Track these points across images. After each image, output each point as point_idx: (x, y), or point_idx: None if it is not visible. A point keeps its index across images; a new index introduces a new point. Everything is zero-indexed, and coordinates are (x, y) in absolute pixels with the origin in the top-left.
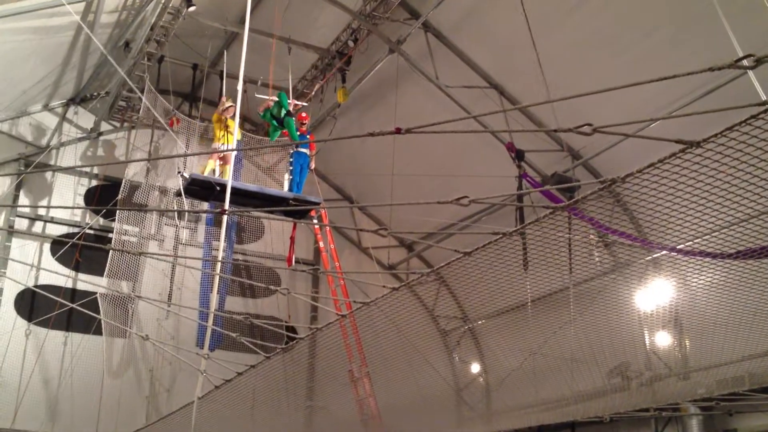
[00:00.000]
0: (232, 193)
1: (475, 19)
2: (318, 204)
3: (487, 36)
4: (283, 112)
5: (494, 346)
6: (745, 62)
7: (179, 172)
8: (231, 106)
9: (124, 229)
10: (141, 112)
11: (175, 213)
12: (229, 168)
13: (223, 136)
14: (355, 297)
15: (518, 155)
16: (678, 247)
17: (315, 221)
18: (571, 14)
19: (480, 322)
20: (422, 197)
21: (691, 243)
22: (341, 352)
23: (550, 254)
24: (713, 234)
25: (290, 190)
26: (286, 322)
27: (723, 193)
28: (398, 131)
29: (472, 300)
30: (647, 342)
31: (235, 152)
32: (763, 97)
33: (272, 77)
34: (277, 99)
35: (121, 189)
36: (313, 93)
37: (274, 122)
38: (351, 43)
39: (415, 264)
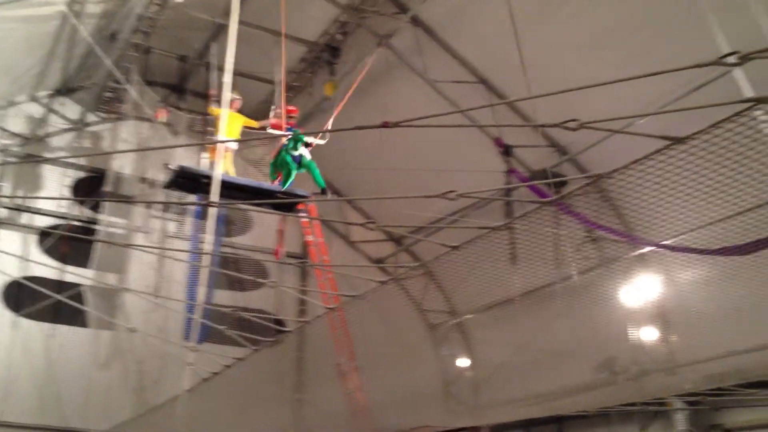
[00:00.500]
0: (220, 186)
1: (464, 13)
2: (306, 197)
3: (475, 31)
4: (300, 148)
5: (483, 340)
6: (730, 59)
7: (166, 164)
8: (236, 99)
9: (111, 221)
10: (127, 103)
11: (163, 205)
12: (217, 160)
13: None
14: (343, 291)
15: (506, 150)
16: (664, 242)
17: (303, 215)
18: (560, 9)
19: (468, 316)
20: (411, 191)
21: (676, 239)
22: (329, 345)
23: (538, 249)
24: (699, 229)
25: (279, 183)
26: (274, 315)
27: (708, 189)
28: (386, 125)
29: (461, 294)
30: (634, 337)
31: (232, 147)
32: (748, 94)
33: (266, 72)
34: (290, 135)
35: (107, 180)
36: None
37: (289, 159)
38: (340, 37)
39: (404, 258)
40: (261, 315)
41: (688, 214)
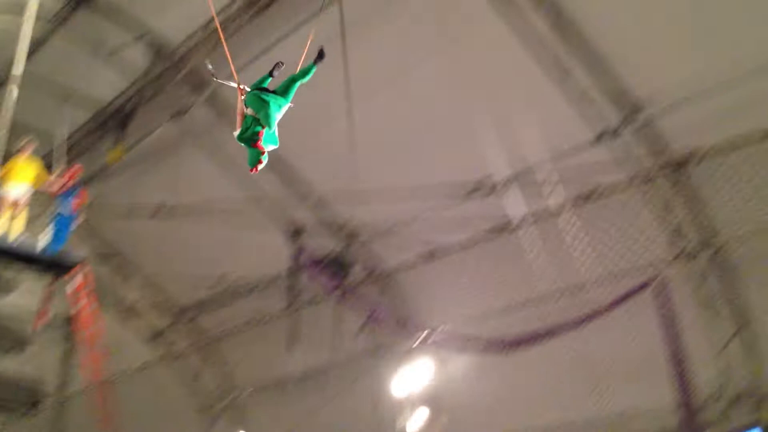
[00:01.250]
0: None
1: None
2: (78, 263)
3: None
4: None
5: (258, 419)
6: (488, 183)
7: None
8: (27, 142)
9: None
10: None
11: None
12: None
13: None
14: (114, 363)
15: (296, 232)
16: (438, 333)
17: (75, 280)
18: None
19: (245, 394)
20: (199, 264)
21: (450, 329)
22: (93, 420)
23: (318, 332)
24: (468, 321)
25: (51, 245)
26: (32, 384)
27: (476, 289)
28: (160, 209)
29: (240, 370)
30: (406, 418)
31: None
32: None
33: None
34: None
35: None
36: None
37: (264, 95)
38: (132, 104)
39: (186, 329)
40: (17, 383)
41: (461, 308)
